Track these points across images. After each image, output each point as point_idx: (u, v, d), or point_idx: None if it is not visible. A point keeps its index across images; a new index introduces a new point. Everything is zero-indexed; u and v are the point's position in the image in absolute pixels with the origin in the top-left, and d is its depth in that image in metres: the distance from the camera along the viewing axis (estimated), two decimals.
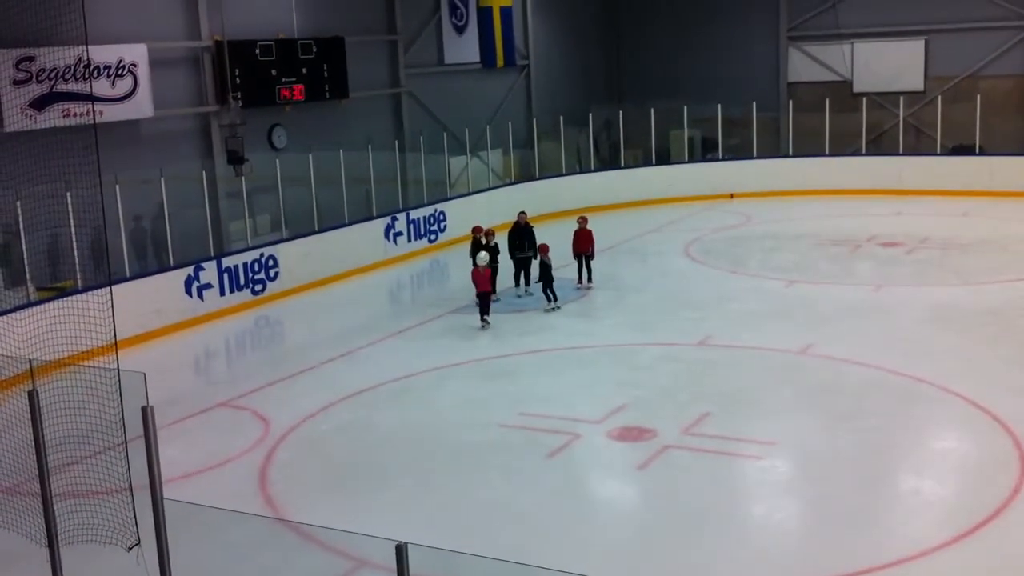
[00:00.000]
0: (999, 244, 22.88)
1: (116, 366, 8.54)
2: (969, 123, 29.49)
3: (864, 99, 31.42)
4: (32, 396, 8.29)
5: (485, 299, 18.41)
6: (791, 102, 32.39)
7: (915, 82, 32.71)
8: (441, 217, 25.64)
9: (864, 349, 15.75)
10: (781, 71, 34.83)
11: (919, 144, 31.81)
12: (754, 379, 15.03)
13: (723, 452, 12.34)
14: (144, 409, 7.44)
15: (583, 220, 20.90)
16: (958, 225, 25.18)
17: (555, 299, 19.17)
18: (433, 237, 25.43)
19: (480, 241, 19.90)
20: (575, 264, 20.69)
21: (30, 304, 16.15)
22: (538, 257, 19.67)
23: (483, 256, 18.69)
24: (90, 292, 12.90)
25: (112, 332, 9.76)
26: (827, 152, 30.51)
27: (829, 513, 10.85)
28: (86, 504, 8.84)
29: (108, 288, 11.10)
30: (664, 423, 13.13)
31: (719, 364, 15.81)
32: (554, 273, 19.26)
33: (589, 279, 20.57)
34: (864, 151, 31.04)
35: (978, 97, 29.52)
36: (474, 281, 18.41)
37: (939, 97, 30.53)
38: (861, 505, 10.86)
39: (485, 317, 18.27)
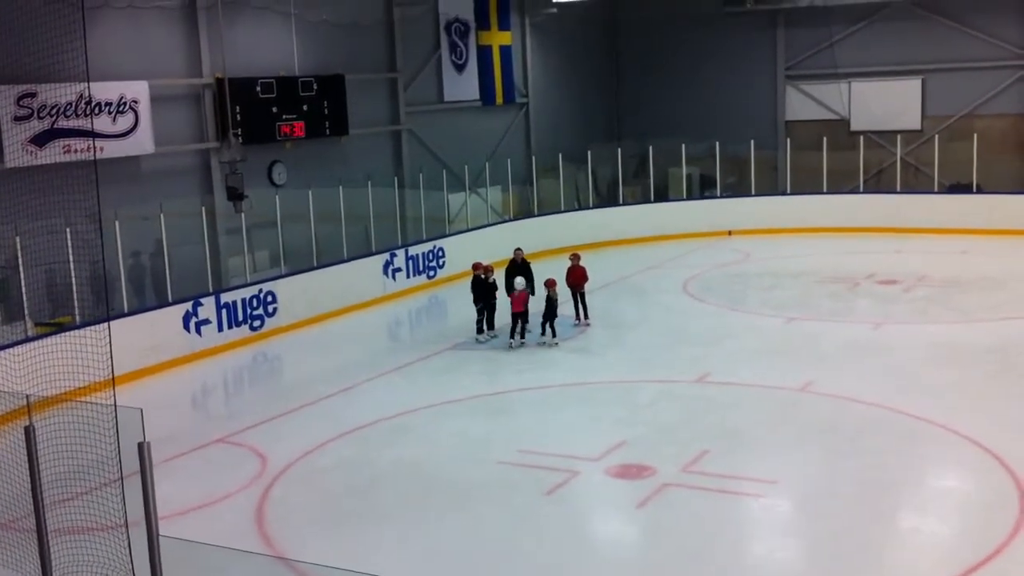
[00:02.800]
0: (997, 281, 22.90)
1: (113, 402, 8.51)
2: (966, 162, 29.60)
3: (862, 137, 31.56)
4: (29, 432, 8.26)
5: (516, 319, 19.00)
6: (789, 140, 32.53)
7: (912, 121, 32.87)
8: (440, 253, 25.66)
9: (864, 386, 15.71)
10: (779, 109, 35.03)
11: (917, 182, 31.91)
12: (754, 416, 14.98)
13: (723, 490, 12.28)
14: (141, 445, 7.41)
15: (576, 257, 20.93)
16: (956, 263, 25.21)
17: (554, 335, 19.15)
18: (432, 273, 25.44)
19: (480, 278, 19.90)
20: (571, 301, 20.66)
21: (28, 339, 16.13)
22: (535, 293, 19.70)
23: (520, 281, 19.19)
24: (88, 328, 12.89)
25: (110, 368, 9.73)
26: (825, 190, 30.60)
27: (830, 552, 10.78)
28: (82, 541, 8.78)
29: (106, 324, 11.09)
30: (663, 461, 13.07)
31: (718, 401, 15.76)
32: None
33: (585, 315, 20.56)
34: (862, 189, 31.15)
35: (975, 136, 29.65)
36: (511, 303, 19.12)
37: (936, 136, 30.66)
38: (862, 543, 10.79)
39: (517, 336, 19.05)
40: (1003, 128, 31.89)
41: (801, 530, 11.51)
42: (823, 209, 30.16)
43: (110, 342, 9.68)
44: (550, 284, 19.40)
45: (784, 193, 31.71)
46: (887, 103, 33.08)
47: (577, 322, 20.47)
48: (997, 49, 31.69)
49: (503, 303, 20.17)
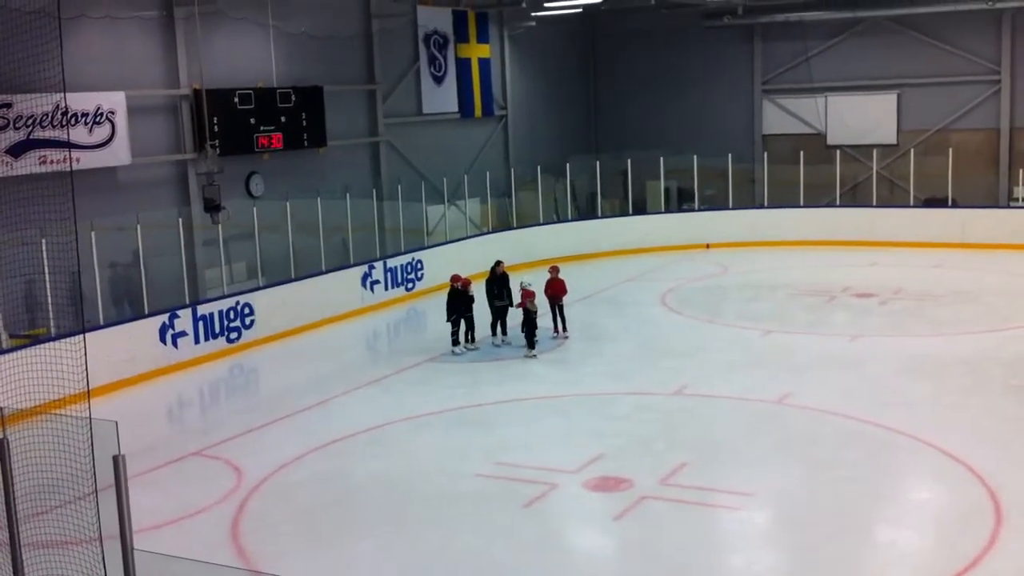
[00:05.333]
0: (972, 295, 23.08)
1: (88, 415, 8.45)
2: (941, 176, 29.85)
3: (838, 151, 31.78)
4: (2, 445, 8.19)
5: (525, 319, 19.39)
6: (766, 154, 32.72)
7: (888, 135, 33.16)
8: (418, 265, 25.64)
9: (840, 399, 15.79)
10: (756, 123, 35.24)
11: (892, 196, 32.16)
12: (731, 429, 15.03)
13: (700, 503, 12.30)
14: (116, 458, 7.36)
15: (555, 269, 20.97)
16: (931, 276, 25.39)
17: (533, 347, 19.18)
18: (410, 285, 25.41)
19: (457, 289, 19.90)
20: (550, 314, 20.68)
21: (2, 352, 15.99)
22: (514, 305, 19.74)
23: (526, 280, 19.71)
24: (63, 339, 12.80)
25: (85, 380, 9.67)
26: (802, 203, 30.78)
27: (807, 564, 10.82)
28: (56, 554, 8.71)
29: (82, 336, 11.02)
30: (641, 473, 13.08)
31: (696, 414, 15.80)
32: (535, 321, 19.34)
33: (564, 328, 20.58)
34: (838, 203, 31.34)
35: (950, 150, 29.91)
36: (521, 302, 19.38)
37: (912, 150, 30.92)
38: (839, 556, 10.84)
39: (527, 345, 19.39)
40: (977, 143, 32.21)
41: (778, 542, 11.54)
42: (800, 222, 30.33)
43: (85, 354, 9.62)
44: (528, 295, 19.42)
45: (761, 206, 31.89)
46: (863, 117, 33.35)
47: (556, 334, 20.49)
48: (972, 64, 32.00)
49: (482, 316, 20.20)
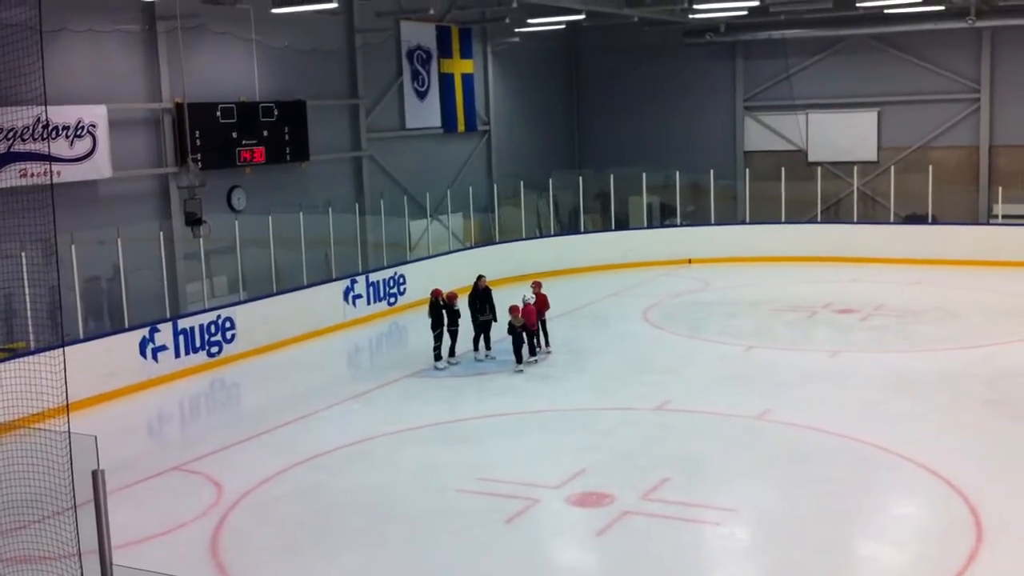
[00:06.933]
0: (951, 312, 23.20)
1: (67, 429, 8.39)
2: (921, 193, 30.06)
3: (819, 168, 31.95)
4: None
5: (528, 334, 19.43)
6: (748, 170, 32.90)
7: (868, 152, 33.40)
8: (401, 280, 25.61)
9: (821, 415, 15.83)
10: (738, 140, 35.43)
11: (873, 213, 32.37)
12: (713, 444, 15.03)
13: (682, 518, 12.29)
14: (95, 473, 7.31)
15: (537, 285, 20.96)
16: (911, 293, 25.52)
17: (519, 361, 19.17)
18: (392, 300, 25.37)
19: (438, 303, 19.87)
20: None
21: None
22: (497, 320, 19.77)
23: (528, 296, 19.91)
24: (42, 353, 12.70)
25: (64, 394, 9.60)
26: (783, 219, 30.91)
27: None
28: (34, 570, 8.64)
29: (61, 349, 10.94)
30: (623, 488, 13.06)
31: (678, 429, 15.81)
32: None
33: (546, 343, 20.57)
34: (819, 219, 31.50)
35: (930, 167, 30.11)
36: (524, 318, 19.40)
37: (892, 167, 31.13)
38: (820, 571, 10.85)
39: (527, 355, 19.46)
40: (957, 160, 32.47)
41: (760, 558, 11.54)
42: (781, 238, 30.46)
43: (64, 368, 9.55)
44: (514, 311, 19.43)
45: (743, 222, 32.03)
46: (844, 134, 33.59)
47: (538, 349, 20.46)
48: (951, 82, 32.28)
49: (465, 331, 20.18)
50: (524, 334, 19.45)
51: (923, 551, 11.41)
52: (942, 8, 28.97)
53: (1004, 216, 30.15)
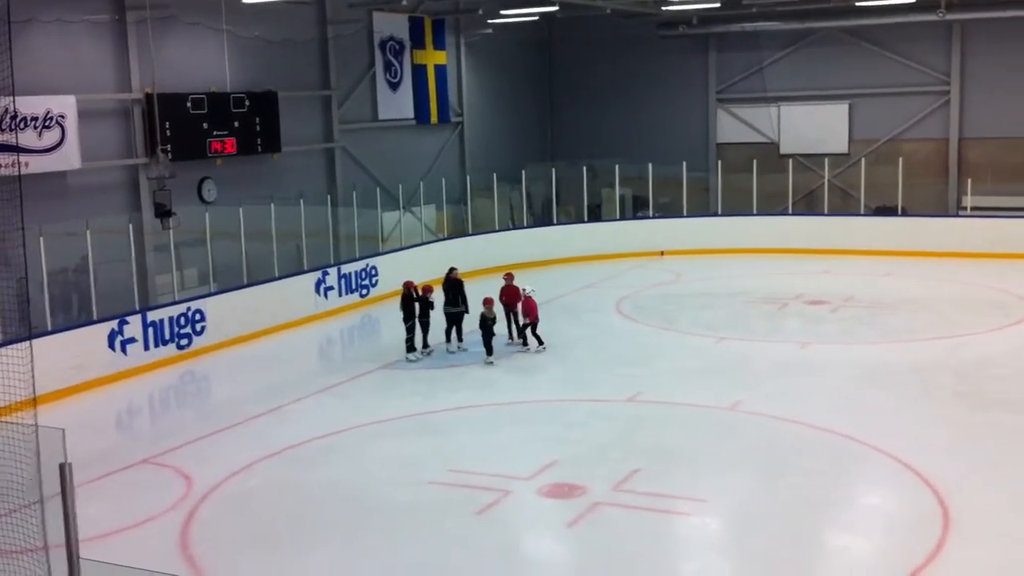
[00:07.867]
0: (921, 303, 23.37)
1: (35, 422, 8.31)
2: (892, 185, 30.26)
3: (791, 160, 32.09)
4: None
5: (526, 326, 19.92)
6: (720, 162, 33.02)
7: (840, 144, 33.60)
8: (373, 272, 25.53)
9: (792, 406, 15.91)
10: (710, 132, 35.53)
11: (844, 205, 32.55)
12: (685, 436, 15.09)
13: (653, 509, 12.32)
14: (62, 466, 7.25)
15: (509, 276, 20.94)
16: (882, 284, 25.69)
17: (489, 353, 19.15)
18: (364, 292, 25.29)
19: (410, 295, 19.82)
20: (506, 320, 20.66)
21: None
22: (469, 312, 19.78)
23: (529, 289, 20.20)
24: (10, 346, 12.57)
25: (32, 387, 9.50)
26: (755, 211, 31.03)
27: (759, 570, 10.88)
28: (0, 564, 8.56)
29: (28, 342, 10.83)
30: (595, 480, 13.09)
31: (650, 420, 15.86)
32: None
33: (520, 335, 20.56)
34: (791, 211, 31.65)
35: (900, 160, 30.33)
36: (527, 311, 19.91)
37: (863, 159, 31.32)
38: (791, 562, 10.91)
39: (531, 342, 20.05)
40: (927, 152, 32.71)
41: (731, 549, 11.59)
42: (753, 230, 30.59)
43: (32, 360, 9.46)
44: (487, 303, 19.41)
45: (716, 214, 32.14)
46: (815, 127, 33.76)
47: (511, 341, 20.48)
48: (921, 75, 32.50)
49: (439, 322, 20.15)
50: (518, 325, 19.99)
51: (893, 541, 11.49)
52: (913, 1, 29.14)
53: (973, 208, 30.38)
